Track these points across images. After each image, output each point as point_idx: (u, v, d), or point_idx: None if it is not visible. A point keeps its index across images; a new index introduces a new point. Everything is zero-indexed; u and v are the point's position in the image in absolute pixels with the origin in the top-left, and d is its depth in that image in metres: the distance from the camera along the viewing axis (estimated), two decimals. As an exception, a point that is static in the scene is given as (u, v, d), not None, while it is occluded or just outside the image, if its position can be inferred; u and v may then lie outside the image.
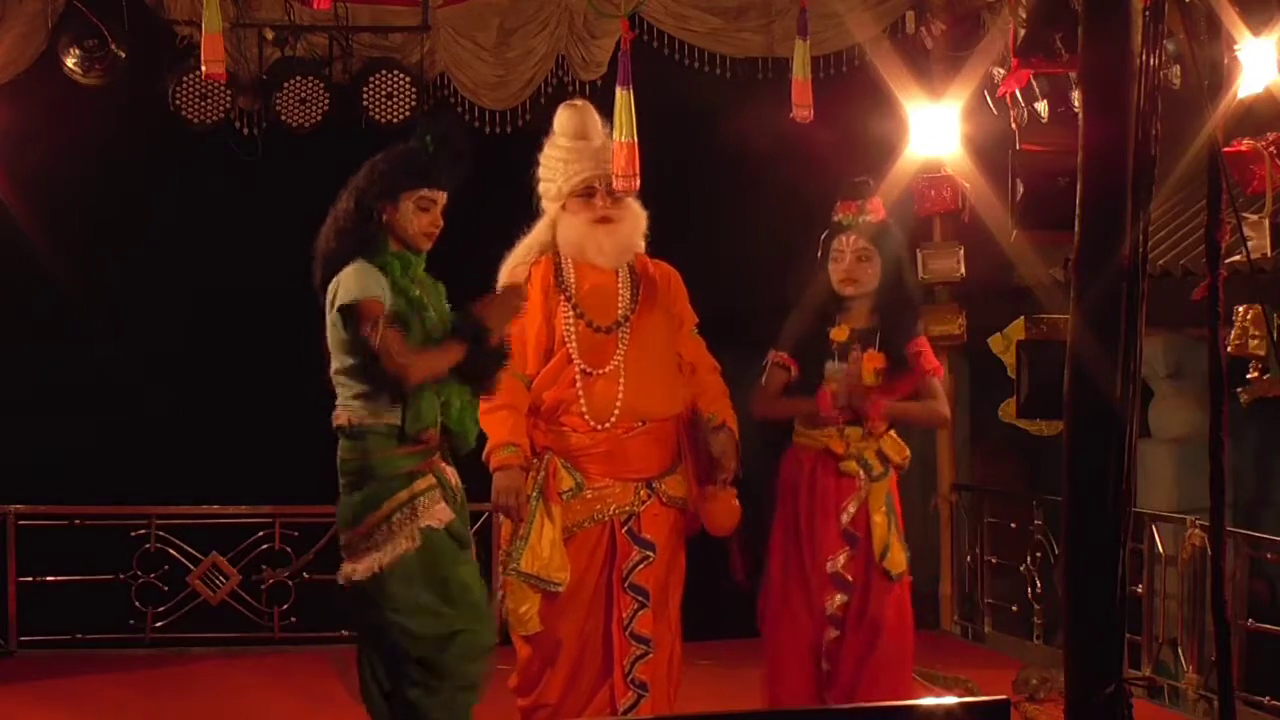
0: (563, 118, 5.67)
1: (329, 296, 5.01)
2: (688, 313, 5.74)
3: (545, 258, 5.59)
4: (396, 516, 4.97)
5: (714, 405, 5.64)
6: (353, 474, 5.01)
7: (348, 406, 5.01)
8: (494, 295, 5.14)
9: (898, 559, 5.83)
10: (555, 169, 5.59)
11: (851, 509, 5.84)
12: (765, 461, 6.13)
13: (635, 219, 5.65)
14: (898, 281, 5.94)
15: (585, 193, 5.55)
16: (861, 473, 5.83)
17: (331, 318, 5.00)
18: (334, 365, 5.04)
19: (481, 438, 5.34)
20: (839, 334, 5.87)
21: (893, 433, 5.93)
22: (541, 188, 5.65)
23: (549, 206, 5.63)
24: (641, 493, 5.54)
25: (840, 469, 5.84)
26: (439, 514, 5.02)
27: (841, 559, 5.83)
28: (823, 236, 5.98)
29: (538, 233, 5.64)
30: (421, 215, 5.05)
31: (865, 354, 5.85)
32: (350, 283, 4.96)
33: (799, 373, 5.94)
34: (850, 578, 5.83)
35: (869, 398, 5.79)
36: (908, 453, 5.97)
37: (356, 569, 4.98)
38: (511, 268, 5.61)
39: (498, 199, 5.63)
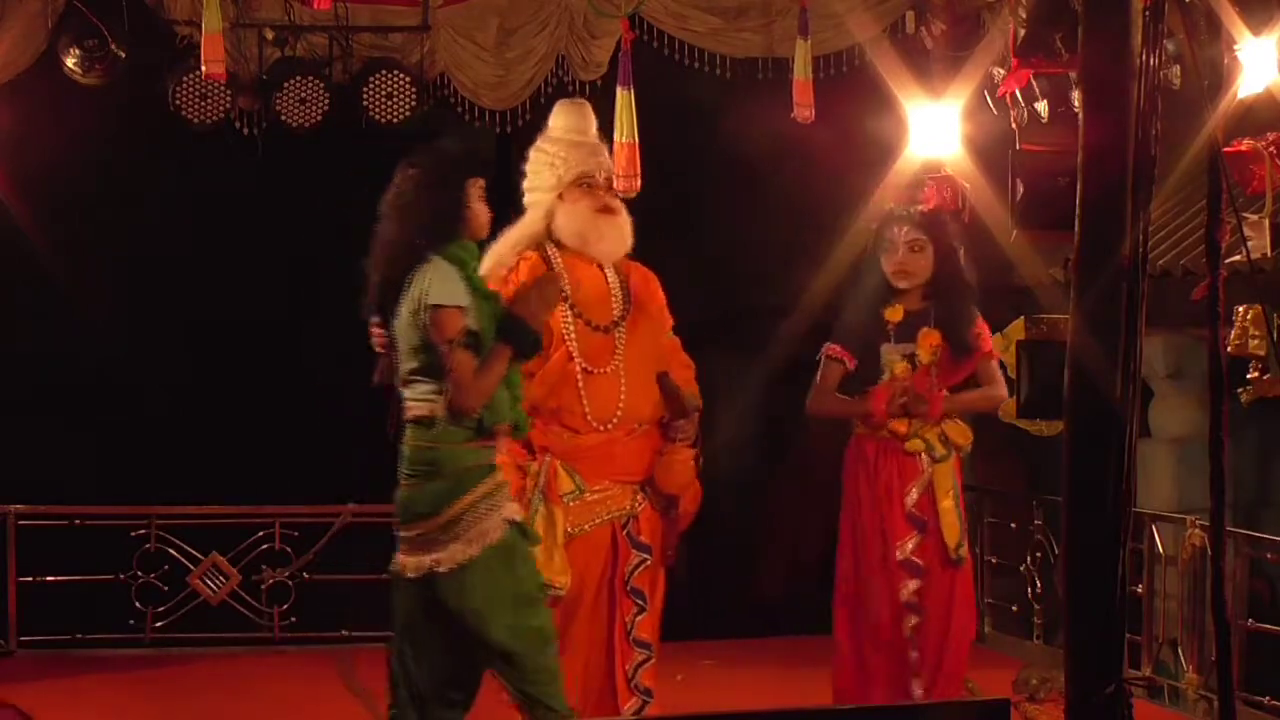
0: (563, 112, 5.65)
1: (415, 292, 4.92)
2: (666, 314, 5.74)
3: (534, 253, 5.52)
4: (482, 507, 4.94)
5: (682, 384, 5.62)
6: (427, 464, 4.95)
7: (428, 399, 4.95)
8: (530, 289, 5.07)
9: (959, 540, 5.87)
10: (554, 160, 5.55)
11: (915, 493, 5.87)
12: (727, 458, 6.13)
13: (627, 218, 5.66)
14: (953, 269, 5.96)
15: (584, 184, 5.54)
16: (924, 453, 5.85)
17: (416, 316, 4.92)
18: (407, 363, 4.98)
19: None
20: (893, 314, 5.89)
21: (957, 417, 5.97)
22: (532, 181, 5.59)
23: (542, 198, 5.57)
24: (638, 496, 5.53)
25: (905, 449, 5.87)
26: (513, 509, 5.03)
27: (910, 544, 5.87)
28: (875, 227, 5.99)
29: (528, 224, 5.57)
30: (484, 204, 5.11)
31: (922, 332, 5.87)
32: (439, 285, 4.91)
33: (855, 366, 5.95)
34: (921, 562, 5.85)
35: (926, 401, 5.82)
36: (971, 435, 5.99)
37: (439, 560, 4.92)
38: (498, 256, 5.49)
39: (497, 199, 5.63)
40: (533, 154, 5.61)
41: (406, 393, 5.00)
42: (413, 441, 4.99)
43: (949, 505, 5.87)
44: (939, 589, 5.88)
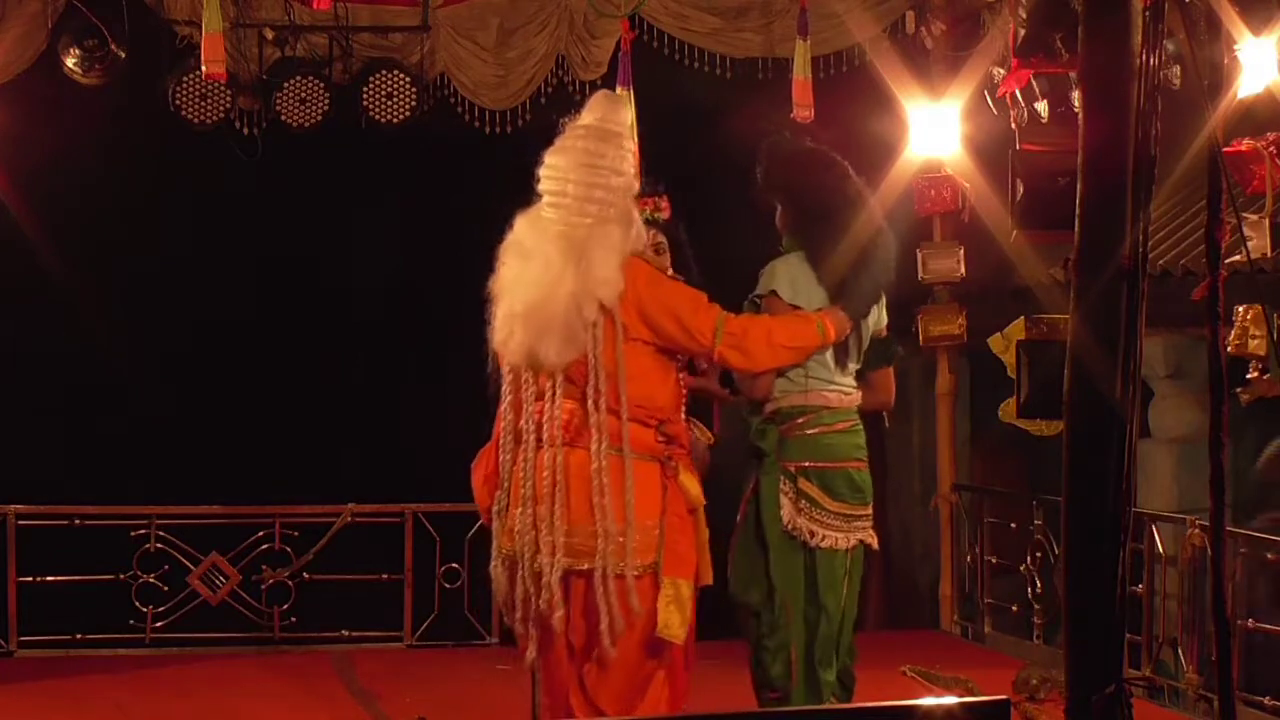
0: (624, 106, 5.22)
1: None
2: None
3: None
4: None
5: None
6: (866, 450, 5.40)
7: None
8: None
9: None
10: (630, 164, 5.05)
11: None
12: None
13: None
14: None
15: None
16: None
17: (878, 317, 5.44)
18: (858, 360, 5.42)
19: None
20: None
21: None
22: (623, 168, 5.00)
23: (628, 204, 5.04)
24: None
25: None
26: None
27: None
28: None
29: (640, 237, 5.08)
30: None
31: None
32: None
33: None
34: None
35: None
36: None
37: (865, 540, 5.32)
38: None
39: (497, 200, 5.62)
40: (616, 139, 5.02)
41: (853, 383, 5.38)
42: (860, 428, 5.37)
43: None
44: None
